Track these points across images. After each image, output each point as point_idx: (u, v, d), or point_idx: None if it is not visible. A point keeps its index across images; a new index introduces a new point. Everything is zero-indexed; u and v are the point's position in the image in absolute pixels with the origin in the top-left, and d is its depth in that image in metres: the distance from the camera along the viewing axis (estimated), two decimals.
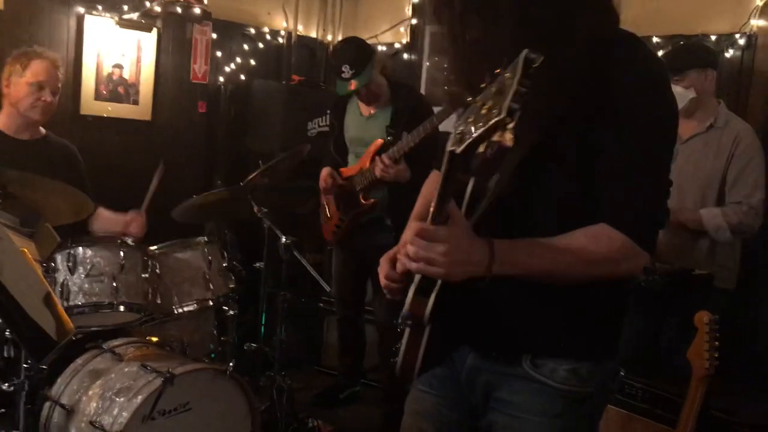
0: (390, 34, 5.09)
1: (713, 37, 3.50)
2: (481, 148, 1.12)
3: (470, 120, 1.15)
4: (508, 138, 1.06)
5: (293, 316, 3.63)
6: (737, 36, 3.45)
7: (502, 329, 1.44)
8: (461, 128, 1.18)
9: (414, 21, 4.95)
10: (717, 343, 2.27)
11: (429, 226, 1.26)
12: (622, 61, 1.32)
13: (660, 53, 3.59)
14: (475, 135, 1.11)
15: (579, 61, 1.27)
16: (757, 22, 3.40)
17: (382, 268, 1.56)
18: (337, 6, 5.32)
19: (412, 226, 1.31)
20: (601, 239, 1.30)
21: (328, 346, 4.46)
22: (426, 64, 4.93)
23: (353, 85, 3.44)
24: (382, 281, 1.56)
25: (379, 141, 3.57)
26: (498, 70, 1.13)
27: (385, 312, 3.66)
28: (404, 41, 5.02)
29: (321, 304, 4.47)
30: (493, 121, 1.06)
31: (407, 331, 1.44)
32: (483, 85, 1.18)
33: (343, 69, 3.41)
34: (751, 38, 3.42)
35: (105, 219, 3.23)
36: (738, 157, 2.90)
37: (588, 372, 1.42)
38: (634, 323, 2.87)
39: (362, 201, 3.62)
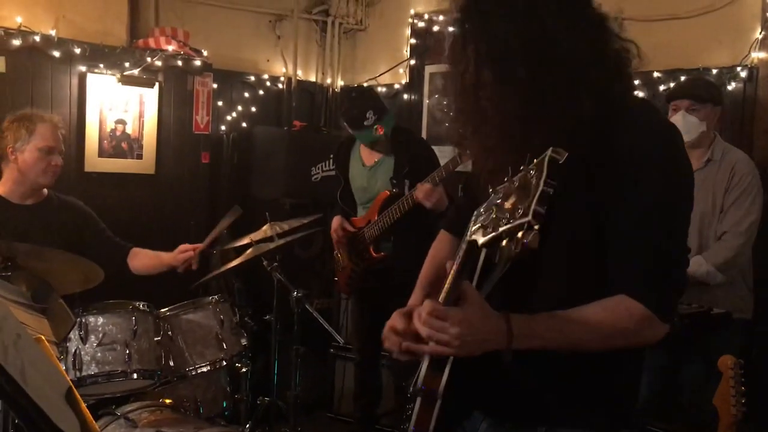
0: (389, 75, 5.12)
1: (714, 71, 3.51)
2: (503, 243, 1.13)
3: (493, 213, 1.16)
4: (533, 241, 1.06)
5: (304, 364, 3.59)
6: (738, 69, 3.45)
7: (517, 398, 1.41)
8: (482, 219, 1.20)
9: (413, 61, 4.97)
10: (743, 387, 2.23)
11: (441, 307, 1.26)
12: (634, 130, 1.31)
13: (661, 88, 3.61)
14: (498, 232, 1.12)
15: (588, 130, 1.27)
16: (757, 55, 3.42)
17: (391, 322, 1.53)
18: (335, 49, 5.35)
19: (426, 306, 1.29)
20: (621, 312, 1.29)
21: (340, 392, 4.41)
22: (426, 102, 4.94)
23: (381, 129, 3.43)
24: (386, 331, 1.53)
25: (385, 193, 3.57)
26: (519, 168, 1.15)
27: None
28: (403, 82, 5.05)
29: (332, 350, 4.43)
30: (518, 222, 1.07)
31: (419, 400, 1.42)
32: (505, 179, 1.19)
33: (367, 116, 3.40)
34: (752, 71, 3.43)
35: (146, 258, 3.19)
36: (734, 187, 2.93)
37: None
38: (654, 366, 2.85)
39: (373, 254, 3.61)
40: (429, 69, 4.93)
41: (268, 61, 5.12)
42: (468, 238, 1.25)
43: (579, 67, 1.29)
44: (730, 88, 3.48)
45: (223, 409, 3.14)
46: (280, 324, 3.49)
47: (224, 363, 2.95)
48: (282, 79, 5.13)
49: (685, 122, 2.89)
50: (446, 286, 1.32)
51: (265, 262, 3.26)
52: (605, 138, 1.28)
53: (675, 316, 1.35)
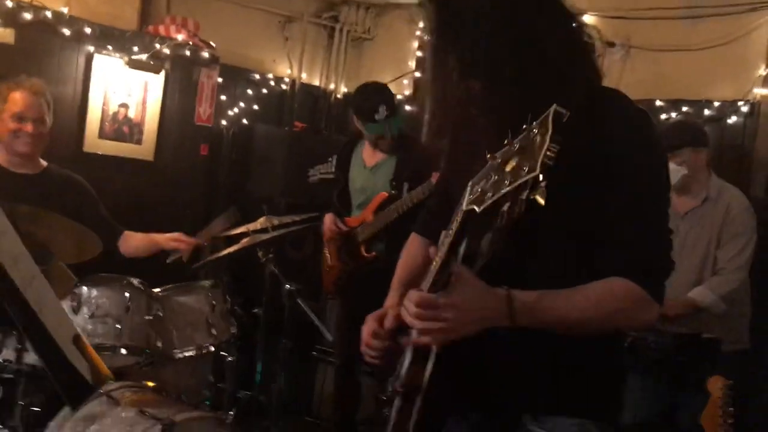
0: (393, 86, 5.12)
1: (716, 103, 3.57)
2: (504, 207, 1.10)
3: (492, 178, 1.12)
4: (541, 195, 1.04)
5: (288, 362, 3.57)
6: (740, 103, 3.52)
7: (501, 388, 1.41)
8: (480, 186, 1.16)
9: (417, 74, 5.01)
10: (731, 409, 2.24)
11: (428, 296, 1.25)
12: (613, 117, 1.35)
13: (662, 117, 3.67)
14: (502, 192, 1.08)
15: (576, 117, 1.26)
16: (760, 91, 3.48)
17: (368, 327, 1.54)
18: (341, 55, 5.38)
19: (412, 297, 1.28)
20: (619, 292, 1.31)
21: (320, 396, 4.38)
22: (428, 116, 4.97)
23: (388, 127, 3.43)
24: (365, 340, 1.54)
25: (383, 194, 3.57)
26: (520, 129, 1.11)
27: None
28: (407, 93, 5.07)
29: (314, 353, 4.40)
30: (523, 178, 1.04)
31: (397, 400, 1.41)
32: (505, 142, 1.16)
33: (379, 109, 3.40)
34: (754, 106, 3.49)
35: (137, 240, 3.16)
36: (729, 223, 2.97)
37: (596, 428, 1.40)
38: (645, 390, 2.87)
39: (364, 253, 3.59)
40: None
41: (274, 61, 5.14)
42: (463, 208, 1.22)
43: (563, 61, 1.32)
44: (730, 121, 3.54)
45: (204, 398, 3.10)
46: (268, 318, 3.47)
47: (211, 349, 2.93)
48: (286, 80, 5.15)
49: None
50: (434, 269, 1.29)
51: (260, 253, 3.24)
52: (588, 128, 1.29)
53: (663, 299, 1.35)
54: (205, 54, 4.38)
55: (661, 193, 1.38)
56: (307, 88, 5.28)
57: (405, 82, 5.11)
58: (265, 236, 3.24)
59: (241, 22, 4.90)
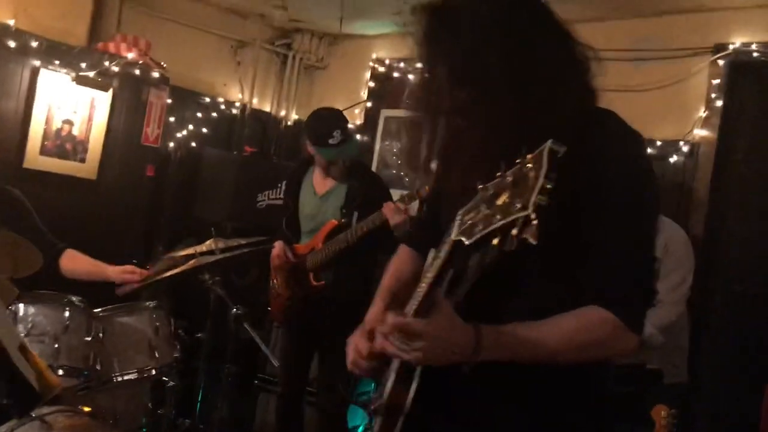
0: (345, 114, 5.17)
1: (659, 143, 3.69)
2: (494, 242, 1.07)
3: (483, 211, 1.10)
4: (532, 235, 1.01)
5: (230, 390, 3.48)
6: (681, 143, 3.64)
7: (479, 409, 1.38)
8: (470, 218, 1.14)
9: (369, 104, 5.05)
10: None
11: (404, 321, 1.23)
12: (604, 139, 1.32)
13: None
14: (492, 228, 1.06)
15: (568, 132, 1.21)
16: (699, 132, 3.61)
17: (355, 342, 1.51)
18: (293, 83, 5.39)
19: (389, 320, 1.24)
20: (594, 322, 1.27)
21: (261, 425, 4.28)
22: (378, 145, 5.00)
23: (343, 151, 3.40)
24: (351, 356, 1.51)
25: (333, 222, 3.54)
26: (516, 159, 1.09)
27: (330, 392, 3.56)
28: (358, 122, 5.10)
29: (257, 382, 4.31)
30: (514, 216, 1.02)
31: (379, 419, 1.39)
32: (497, 174, 1.13)
33: (334, 134, 3.36)
34: (694, 146, 3.62)
35: (83, 263, 3.02)
36: (668, 257, 3.04)
37: None
38: None
39: (313, 282, 3.55)
40: (385, 113, 5.00)
41: (225, 85, 5.11)
42: (452, 238, 1.20)
43: (556, 76, 1.30)
44: (672, 160, 3.66)
45: (141, 426, 2.99)
46: (212, 343, 3.38)
47: (153, 372, 2.83)
48: (237, 104, 5.12)
49: None
50: (420, 294, 1.27)
51: (206, 276, 3.17)
52: (578, 150, 1.23)
53: (642, 331, 1.31)
54: (155, 74, 4.32)
55: (647, 219, 1.33)
56: (258, 113, 5.26)
57: (357, 111, 5.14)
58: (212, 258, 3.18)
59: (192, 44, 4.87)
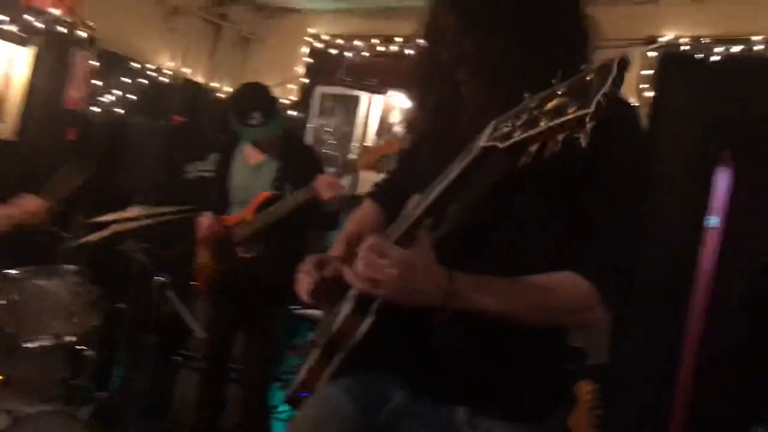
0: (279, 90, 5.08)
1: None
2: (532, 148, 1.01)
3: (523, 118, 1.03)
4: (585, 135, 0.96)
5: (145, 364, 3.37)
6: None
7: (442, 374, 1.34)
8: (506, 125, 1.06)
9: (305, 80, 4.97)
10: (599, 411, 2.33)
11: (384, 243, 1.17)
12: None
13: None
14: (540, 128, 0.99)
15: None
16: None
17: (306, 269, 1.44)
18: (227, 53, 5.25)
19: (369, 239, 1.18)
20: (568, 286, 1.25)
21: (180, 403, 4.17)
22: (311, 125, 4.94)
23: (263, 132, 3.32)
24: (299, 277, 1.44)
25: (265, 194, 3.47)
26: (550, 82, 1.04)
27: (253, 368, 3.50)
28: (292, 98, 5.02)
29: (178, 357, 4.19)
30: (572, 116, 0.96)
31: (316, 351, 1.34)
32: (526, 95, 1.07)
33: (253, 115, 3.25)
34: None
35: None
36: None
37: None
38: None
39: (241, 254, 3.47)
40: (320, 90, 4.94)
41: (155, 52, 4.93)
42: (481, 144, 1.11)
43: (566, 33, 1.27)
44: None
45: (56, 396, 2.86)
46: (132, 314, 3.27)
47: (70, 339, 2.71)
48: (168, 72, 4.95)
49: None
50: (407, 222, 1.21)
51: (129, 243, 3.05)
52: None
53: (614, 307, 1.28)
54: (82, 34, 4.13)
55: (641, 200, 1.30)
56: (189, 83, 5.10)
57: (290, 86, 5.05)
58: (135, 224, 3.05)
59: (124, 7, 4.67)
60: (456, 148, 1.20)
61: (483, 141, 1.10)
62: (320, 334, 1.40)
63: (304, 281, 1.43)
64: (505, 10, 1.24)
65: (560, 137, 0.98)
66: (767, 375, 3.77)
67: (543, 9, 1.25)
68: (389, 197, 1.60)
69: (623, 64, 0.97)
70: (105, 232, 3.05)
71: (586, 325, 1.31)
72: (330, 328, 1.35)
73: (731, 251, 5.58)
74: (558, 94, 1.00)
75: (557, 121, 0.98)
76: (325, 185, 3.22)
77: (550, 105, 1.00)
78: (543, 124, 0.99)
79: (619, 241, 1.26)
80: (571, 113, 0.96)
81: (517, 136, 1.03)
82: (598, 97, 0.94)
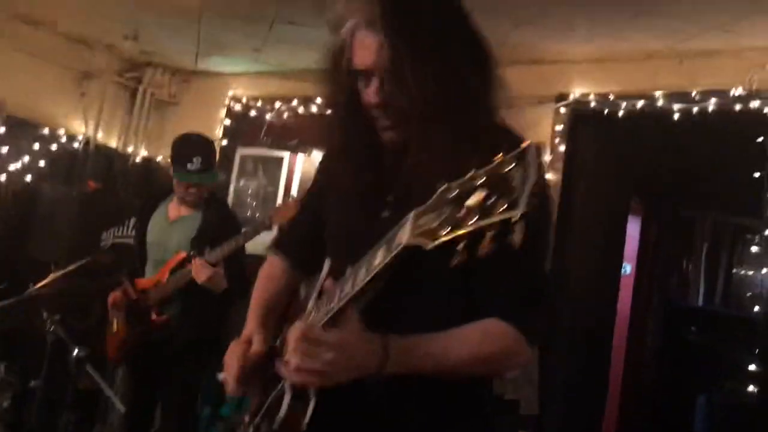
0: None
1: None
2: (460, 246, 0.98)
3: (446, 212, 1.00)
4: (517, 239, 0.94)
5: None
6: None
7: (374, 425, 1.32)
8: (425, 221, 1.03)
9: (224, 142, 4.93)
10: None
11: (314, 328, 1.16)
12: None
13: None
14: (471, 228, 0.96)
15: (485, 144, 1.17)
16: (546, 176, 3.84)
17: (233, 354, 1.39)
18: (142, 118, 5.16)
19: (297, 328, 1.17)
20: (497, 333, 1.26)
21: None
22: (233, 185, 4.88)
23: (200, 178, 3.27)
24: (226, 363, 1.40)
25: (181, 254, 3.37)
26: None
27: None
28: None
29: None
30: (501, 217, 0.93)
31: None
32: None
33: (193, 160, 3.22)
34: None
35: None
36: None
37: None
38: None
39: (154, 317, 3.34)
40: (240, 151, 4.91)
41: (67, 117, 4.79)
42: (403, 243, 1.06)
43: (480, 98, 1.29)
44: None
45: None
46: (46, 392, 3.08)
47: None
48: (80, 138, 4.81)
49: None
50: (335, 306, 1.19)
51: (45, 315, 2.89)
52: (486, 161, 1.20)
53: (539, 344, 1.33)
54: None
55: (547, 236, 1.34)
56: (103, 149, 4.97)
57: None
58: (47, 290, 2.90)
59: (33, 72, 4.54)
60: (364, 197, 1.25)
61: (406, 238, 1.05)
62: (258, 420, 1.34)
63: (231, 368, 1.39)
64: (413, 63, 1.23)
65: (490, 234, 0.96)
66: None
67: (448, 62, 1.26)
68: (294, 244, 1.59)
69: (537, 153, 0.96)
70: (16, 298, 2.90)
71: (515, 367, 1.34)
72: (269, 413, 1.31)
73: (644, 297, 5.82)
74: (477, 186, 0.98)
75: (486, 222, 0.95)
76: (198, 269, 3.17)
77: (473, 200, 0.97)
78: (471, 224, 0.97)
79: (532, 280, 1.29)
80: (500, 213, 0.94)
81: (444, 235, 0.99)
82: (525, 199, 0.92)
